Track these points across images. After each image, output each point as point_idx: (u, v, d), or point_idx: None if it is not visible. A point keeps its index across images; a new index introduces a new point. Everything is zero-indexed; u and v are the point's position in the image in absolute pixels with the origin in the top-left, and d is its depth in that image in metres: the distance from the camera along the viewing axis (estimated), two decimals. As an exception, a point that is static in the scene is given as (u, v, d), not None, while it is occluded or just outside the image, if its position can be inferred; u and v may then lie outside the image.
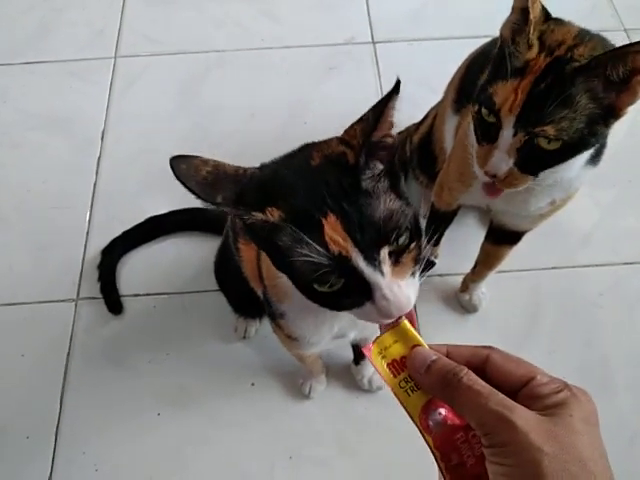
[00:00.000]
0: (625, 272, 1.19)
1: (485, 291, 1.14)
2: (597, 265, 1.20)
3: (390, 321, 0.46)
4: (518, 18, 0.65)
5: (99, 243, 1.22)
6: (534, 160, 0.64)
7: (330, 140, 0.52)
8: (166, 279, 1.20)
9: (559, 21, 0.66)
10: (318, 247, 0.45)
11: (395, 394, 0.42)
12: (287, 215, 0.46)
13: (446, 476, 0.41)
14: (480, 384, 0.38)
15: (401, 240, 0.47)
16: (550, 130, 0.60)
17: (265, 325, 1.12)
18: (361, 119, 0.50)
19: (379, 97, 1.56)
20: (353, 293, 0.47)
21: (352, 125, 0.51)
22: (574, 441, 0.35)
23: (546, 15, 0.66)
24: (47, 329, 1.15)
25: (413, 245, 0.48)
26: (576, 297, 1.17)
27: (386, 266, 0.46)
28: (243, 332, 1.12)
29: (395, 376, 0.43)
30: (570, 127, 0.60)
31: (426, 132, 1.13)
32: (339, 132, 1.35)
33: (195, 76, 1.50)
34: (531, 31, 0.63)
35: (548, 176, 0.72)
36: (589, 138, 0.62)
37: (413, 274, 0.48)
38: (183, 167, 0.47)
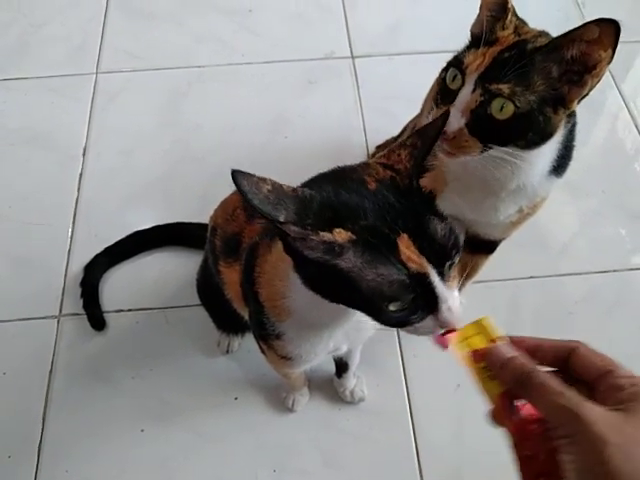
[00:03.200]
0: (600, 280, 1.23)
1: (464, 301, 1.16)
2: (573, 274, 1.23)
3: (441, 332, 0.50)
4: (492, 9, 0.70)
5: (82, 259, 1.22)
6: (485, 125, 0.66)
7: (370, 165, 0.53)
8: (149, 294, 1.21)
9: (525, 22, 0.72)
10: (399, 265, 0.46)
11: (475, 380, 0.46)
12: (358, 236, 0.47)
13: (518, 464, 0.43)
14: (551, 383, 0.40)
15: (456, 259, 0.50)
16: (505, 89, 0.64)
17: (248, 340, 1.12)
18: (404, 144, 0.52)
19: (358, 111, 1.58)
20: (419, 308, 0.49)
21: (393, 150, 0.53)
22: None
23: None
24: (29, 346, 1.15)
25: (458, 259, 0.51)
26: (552, 305, 1.19)
27: (449, 283, 0.50)
28: (226, 347, 1.12)
29: (474, 364, 0.47)
30: (522, 94, 0.64)
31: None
32: (320, 146, 1.37)
33: (176, 91, 1.51)
34: (509, 17, 0.68)
35: (511, 179, 0.75)
36: (538, 117, 0.66)
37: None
38: (245, 183, 0.44)
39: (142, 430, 1.07)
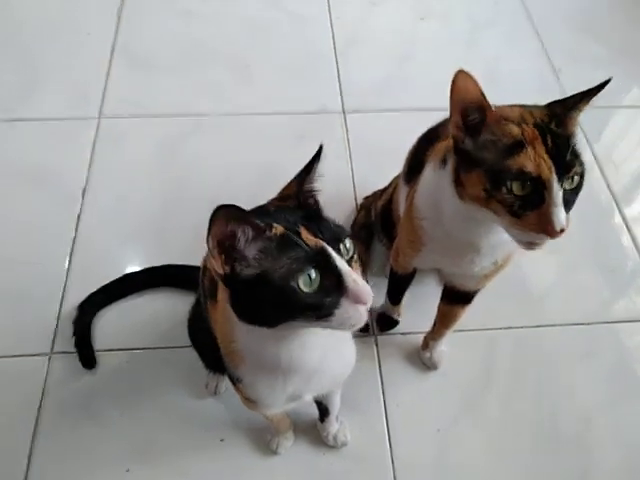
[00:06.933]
0: (571, 332, 1.29)
1: (445, 349, 1.21)
2: (547, 325, 1.29)
3: None
4: (469, 116, 0.74)
5: (76, 298, 1.25)
6: (570, 200, 0.73)
7: (274, 199, 0.70)
8: (140, 334, 1.24)
9: (497, 106, 0.76)
10: (302, 244, 0.58)
11: None
12: (285, 229, 0.59)
13: None
14: None
15: (348, 245, 0.62)
16: (579, 169, 0.71)
17: (235, 381, 1.15)
18: (294, 179, 0.69)
19: (348, 164, 1.66)
20: (330, 290, 0.57)
21: (289, 183, 0.70)
22: None
23: None
24: (19, 383, 1.16)
25: (357, 256, 0.63)
26: (528, 355, 1.25)
27: (346, 261, 0.60)
28: (214, 388, 1.15)
29: None
30: (582, 160, 0.72)
31: (387, 200, 1.22)
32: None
33: (174, 138, 1.58)
34: (501, 119, 0.73)
35: (494, 236, 0.81)
36: (585, 168, 0.74)
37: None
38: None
39: (127, 470, 1.08)
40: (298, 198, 0.66)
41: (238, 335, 0.69)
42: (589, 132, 1.65)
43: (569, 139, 0.72)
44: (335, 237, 0.60)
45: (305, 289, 0.57)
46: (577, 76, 1.77)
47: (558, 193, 0.69)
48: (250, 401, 0.79)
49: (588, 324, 1.30)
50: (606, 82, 0.73)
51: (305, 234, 0.59)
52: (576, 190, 0.73)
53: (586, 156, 1.64)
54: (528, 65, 1.84)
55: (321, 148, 0.66)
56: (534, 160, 0.69)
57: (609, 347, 1.28)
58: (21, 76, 1.69)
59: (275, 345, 0.66)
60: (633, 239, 1.46)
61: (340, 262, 0.58)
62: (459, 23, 1.94)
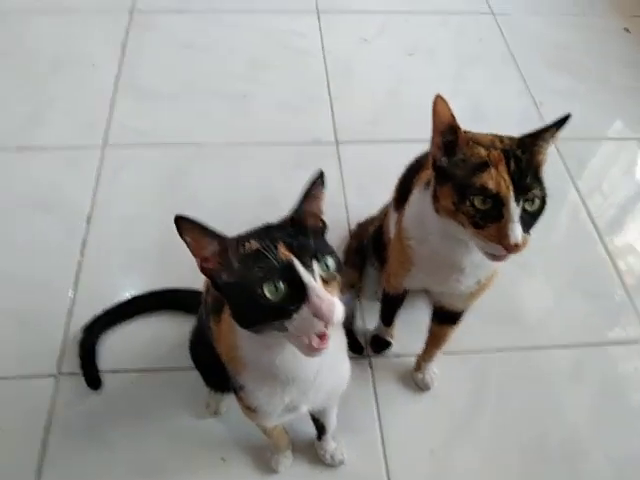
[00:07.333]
0: (560, 354, 1.36)
1: (437, 371, 1.27)
2: (536, 348, 1.36)
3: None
4: (445, 137, 0.83)
5: (82, 320, 1.30)
6: (529, 221, 0.79)
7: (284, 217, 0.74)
8: (144, 356, 1.28)
9: (468, 131, 0.84)
10: (274, 257, 0.63)
11: None
12: (260, 245, 0.65)
13: None
14: None
15: (329, 262, 0.65)
16: (538, 192, 0.78)
17: (235, 401, 1.20)
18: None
19: (341, 192, 1.73)
20: (293, 298, 0.62)
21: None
22: None
23: None
24: (27, 404, 1.20)
25: (338, 276, 0.67)
26: (517, 376, 1.31)
27: (318, 277, 0.64)
28: (214, 408, 1.20)
29: None
30: (541, 187, 0.79)
31: (379, 225, 1.30)
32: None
33: (176, 166, 1.65)
34: (469, 142, 0.81)
35: (475, 255, 0.88)
36: (546, 194, 0.80)
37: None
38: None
39: (130, 489, 1.12)
40: (292, 218, 0.72)
41: (240, 343, 0.76)
42: (572, 165, 1.74)
43: (532, 165, 0.79)
44: (311, 253, 0.65)
45: (270, 296, 0.62)
46: (557, 109, 1.85)
47: (515, 210, 0.77)
48: (250, 410, 0.84)
49: (576, 347, 1.37)
50: (566, 117, 0.80)
51: (281, 249, 0.64)
52: (536, 213, 0.80)
53: (570, 189, 1.74)
54: (510, 99, 1.94)
55: (317, 174, 0.72)
56: (495, 179, 0.77)
57: (597, 369, 1.34)
58: (29, 106, 1.76)
59: (270, 353, 0.72)
60: (616, 269, 1.52)
61: (307, 276, 0.62)
62: (445, 59, 2.05)
